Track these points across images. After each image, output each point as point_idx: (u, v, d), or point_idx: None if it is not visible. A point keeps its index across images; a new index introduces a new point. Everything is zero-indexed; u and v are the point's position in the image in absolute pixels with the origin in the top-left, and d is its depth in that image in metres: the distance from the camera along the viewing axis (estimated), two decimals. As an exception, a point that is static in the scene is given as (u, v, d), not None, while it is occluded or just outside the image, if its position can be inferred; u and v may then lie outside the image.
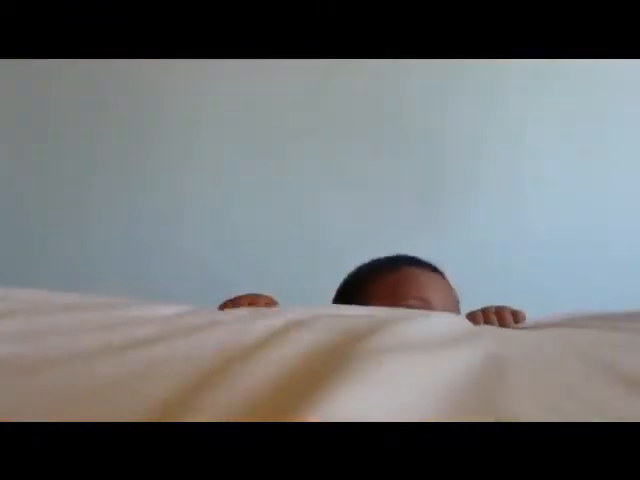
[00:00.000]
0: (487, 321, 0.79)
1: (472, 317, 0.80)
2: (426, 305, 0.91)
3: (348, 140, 1.48)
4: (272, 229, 1.37)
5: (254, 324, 0.54)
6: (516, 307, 0.82)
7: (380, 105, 1.52)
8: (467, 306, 0.84)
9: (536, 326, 0.77)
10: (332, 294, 0.99)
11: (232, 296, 0.81)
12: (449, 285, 1.00)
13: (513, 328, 0.76)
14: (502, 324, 0.78)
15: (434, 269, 1.00)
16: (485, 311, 0.81)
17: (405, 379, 0.33)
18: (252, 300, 0.78)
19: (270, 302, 0.79)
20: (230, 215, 1.47)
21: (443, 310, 0.90)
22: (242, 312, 0.68)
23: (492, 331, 0.66)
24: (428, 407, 0.30)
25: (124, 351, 0.40)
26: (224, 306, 0.78)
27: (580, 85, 1.52)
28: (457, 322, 0.68)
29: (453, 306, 0.96)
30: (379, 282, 0.98)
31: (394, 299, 0.92)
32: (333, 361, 0.37)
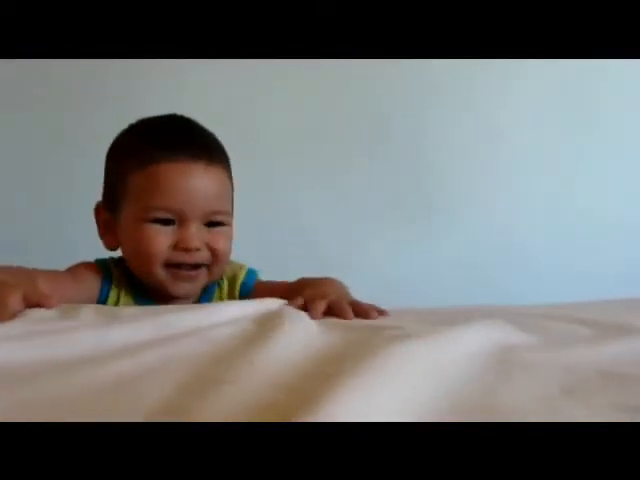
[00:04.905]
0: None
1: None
2: (179, 218, 0.77)
3: (334, 142, 1.48)
4: (255, 230, 1.35)
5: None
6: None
7: (368, 107, 1.51)
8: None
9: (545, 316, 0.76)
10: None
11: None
12: (225, 182, 0.82)
13: None
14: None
15: (211, 157, 0.80)
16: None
17: (407, 372, 0.33)
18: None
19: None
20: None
21: (200, 218, 0.78)
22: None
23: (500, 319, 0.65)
24: (428, 401, 0.30)
25: (120, 357, 0.39)
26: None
27: (570, 94, 1.51)
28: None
29: (223, 207, 0.81)
30: (135, 173, 0.78)
31: (139, 203, 0.77)
32: (333, 360, 0.37)
